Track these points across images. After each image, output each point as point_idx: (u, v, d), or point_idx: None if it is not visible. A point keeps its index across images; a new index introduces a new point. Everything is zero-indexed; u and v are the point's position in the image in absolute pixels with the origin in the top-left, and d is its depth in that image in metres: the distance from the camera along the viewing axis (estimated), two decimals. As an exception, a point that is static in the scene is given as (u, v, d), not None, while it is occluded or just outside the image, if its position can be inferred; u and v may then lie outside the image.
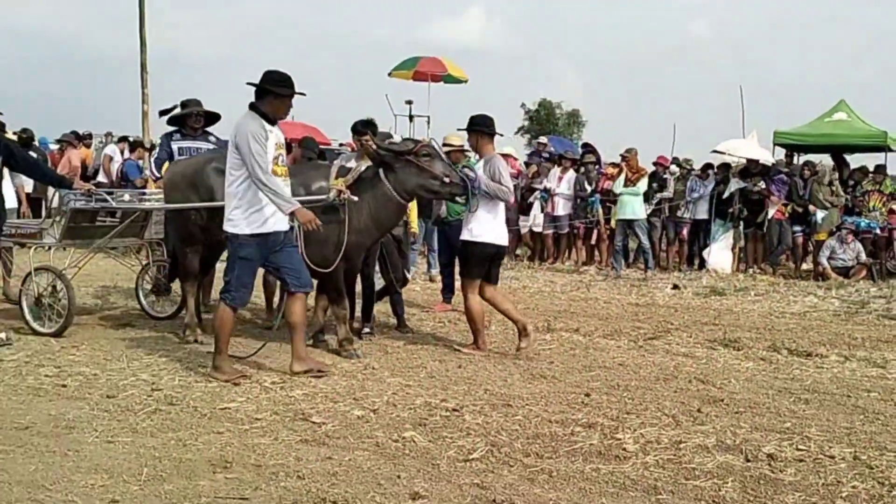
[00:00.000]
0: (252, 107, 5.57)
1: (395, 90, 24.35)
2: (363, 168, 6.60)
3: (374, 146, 6.55)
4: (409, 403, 5.13)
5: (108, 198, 7.29)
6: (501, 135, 7.44)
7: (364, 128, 7.25)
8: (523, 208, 13.97)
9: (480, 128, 6.98)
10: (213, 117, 8.36)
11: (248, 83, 5.59)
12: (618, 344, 7.39)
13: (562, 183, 13.70)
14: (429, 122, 16.75)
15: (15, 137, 13.29)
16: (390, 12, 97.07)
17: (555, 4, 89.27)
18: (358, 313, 7.62)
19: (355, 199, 6.38)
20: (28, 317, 7.04)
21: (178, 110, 8.28)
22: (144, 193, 8.11)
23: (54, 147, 16.40)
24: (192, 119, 8.13)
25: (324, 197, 6.38)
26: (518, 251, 14.44)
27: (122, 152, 15.11)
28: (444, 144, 8.31)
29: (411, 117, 17.09)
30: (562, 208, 13.67)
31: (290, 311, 5.80)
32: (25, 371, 5.65)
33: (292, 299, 5.81)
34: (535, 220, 13.87)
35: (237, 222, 5.52)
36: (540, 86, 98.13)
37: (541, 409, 5.15)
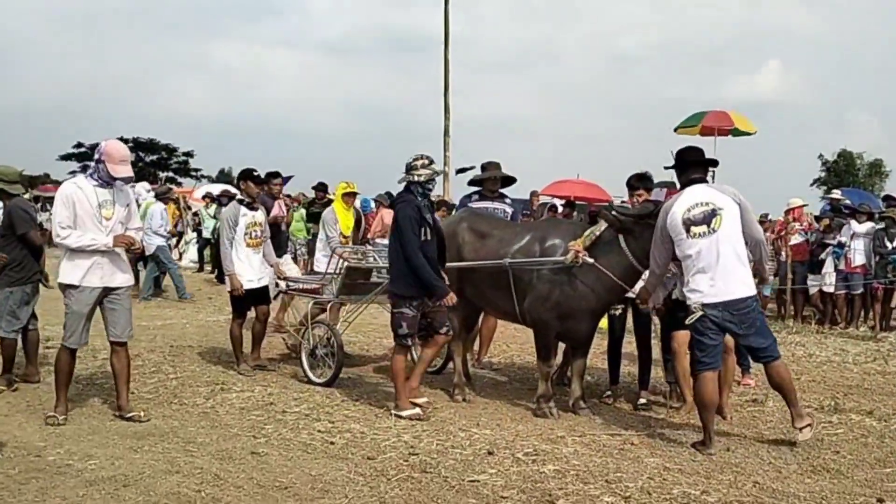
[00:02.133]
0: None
1: (681, 146, 23.72)
2: (603, 228, 6.42)
3: (611, 213, 6.37)
4: (666, 493, 4.80)
5: (375, 256, 7.78)
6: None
7: (638, 182, 7.07)
8: (813, 265, 12.79)
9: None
10: (509, 180, 8.66)
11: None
12: (922, 433, 6.42)
13: (857, 237, 12.38)
14: (713, 177, 16.02)
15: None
16: (683, 73, 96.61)
17: (854, 54, 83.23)
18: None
19: (591, 261, 6.26)
20: (305, 367, 7.64)
21: (477, 172, 8.72)
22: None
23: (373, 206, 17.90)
24: (490, 182, 8.50)
25: (559, 258, 6.39)
26: (805, 313, 13.23)
27: None
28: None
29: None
30: (857, 264, 12.33)
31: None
32: (302, 425, 6.09)
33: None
34: (826, 278, 12.62)
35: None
36: (839, 137, 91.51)
37: (819, 512, 4.58)
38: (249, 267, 7.96)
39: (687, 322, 5.73)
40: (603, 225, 6.47)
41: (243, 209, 8.02)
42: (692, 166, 5.97)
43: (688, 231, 5.64)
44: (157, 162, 55.37)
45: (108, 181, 5.95)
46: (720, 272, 5.59)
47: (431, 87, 24.25)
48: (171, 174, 52.19)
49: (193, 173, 53.82)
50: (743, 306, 5.62)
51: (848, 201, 14.58)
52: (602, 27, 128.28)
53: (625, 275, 6.41)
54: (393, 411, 6.36)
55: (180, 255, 20.95)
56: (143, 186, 18.62)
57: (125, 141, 55.68)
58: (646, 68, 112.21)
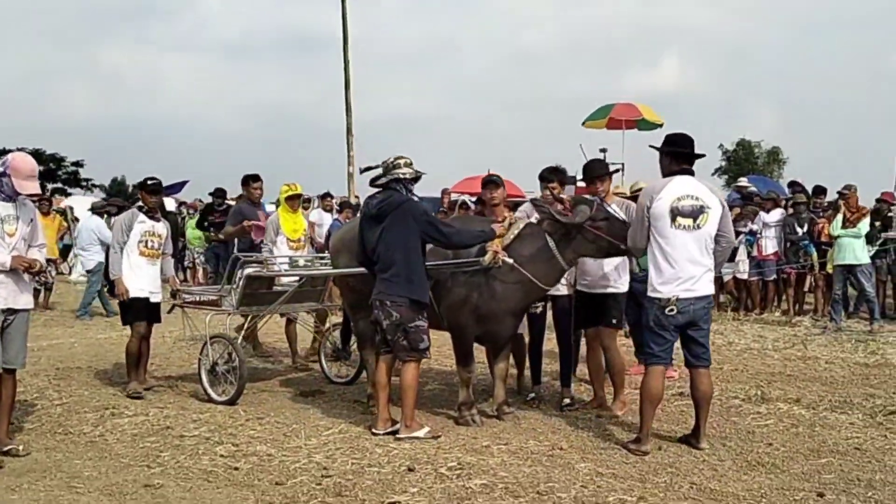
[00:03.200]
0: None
1: (590, 140, 23.92)
2: (522, 225, 6.07)
3: (554, 218, 6.01)
4: (602, 501, 4.46)
5: (276, 263, 7.26)
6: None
7: (551, 174, 6.78)
8: (725, 253, 12.80)
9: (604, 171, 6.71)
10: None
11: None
12: (850, 419, 6.29)
13: (768, 226, 12.46)
14: (623, 170, 16.03)
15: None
16: (585, 69, 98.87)
17: (748, 46, 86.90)
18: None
19: (510, 261, 5.90)
20: (205, 384, 7.03)
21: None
22: (323, 258, 7.98)
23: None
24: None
25: (475, 260, 5.98)
26: (721, 299, 13.26)
27: (330, 211, 15.13)
28: (632, 191, 7.64)
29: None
30: (769, 252, 12.41)
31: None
32: (203, 450, 5.49)
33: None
34: (739, 265, 12.66)
35: None
36: (737, 127, 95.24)
37: (762, 512, 4.31)
38: (139, 277, 7.34)
39: (654, 314, 5.36)
40: (522, 223, 6.12)
41: (141, 216, 7.45)
42: (683, 155, 5.56)
43: (673, 220, 5.32)
44: (44, 173, 52.69)
45: (10, 195, 5.46)
46: (694, 268, 5.36)
47: (333, 85, 23.63)
48: (60, 185, 49.82)
49: (84, 183, 51.47)
50: (708, 304, 5.50)
51: (754, 188, 14.75)
52: (503, 23, 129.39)
53: (547, 275, 6.08)
54: (401, 434, 5.73)
55: (70, 268, 19.79)
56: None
57: (6, 152, 53.63)
58: (547, 65, 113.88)
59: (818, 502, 4.53)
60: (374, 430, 5.87)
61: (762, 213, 12.57)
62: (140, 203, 7.63)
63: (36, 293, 14.28)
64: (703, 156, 5.71)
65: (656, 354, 5.44)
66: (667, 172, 5.54)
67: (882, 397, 7.00)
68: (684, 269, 5.33)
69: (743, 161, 50.77)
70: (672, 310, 5.30)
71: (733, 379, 7.77)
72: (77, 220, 20.94)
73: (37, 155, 52.92)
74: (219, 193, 14.15)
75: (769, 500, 4.53)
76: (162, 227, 7.55)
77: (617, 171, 6.77)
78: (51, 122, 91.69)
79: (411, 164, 5.99)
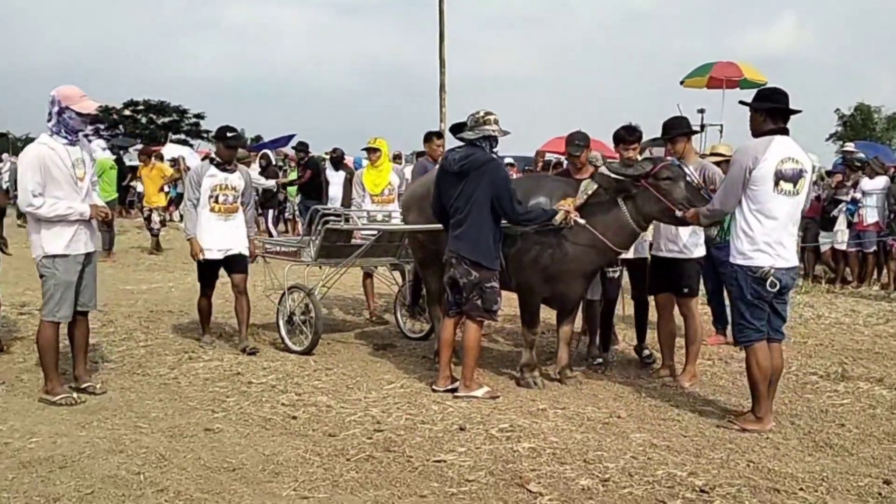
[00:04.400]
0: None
1: (689, 100, 23.12)
2: (596, 186, 5.91)
3: (608, 170, 5.84)
4: (650, 474, 4.37)
5: (353, 217, 7.30)
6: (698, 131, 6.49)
7: (630, 135, 6.51)
8: (825, 223, 12.23)
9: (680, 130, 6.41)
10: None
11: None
12: (935, 403, 5.96)
13: (869, 194, 11.78)
14: (721, 131, 15.44)
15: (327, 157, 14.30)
16: (696, 25, 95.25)
17: (871, 7, 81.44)
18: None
19: (582, 222, 5.78)
20: (283, 334, 7.23)
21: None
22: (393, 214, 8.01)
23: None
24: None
25: (548, 219, 5.86)
26: (816, 271, 12.70)
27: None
28: (712, 154, 7.33)
29: (702, 127, 15.89)
30: (870, 222, 11.76)
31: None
32: (266, 397, 5.69)
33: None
34: (837, 236, 12.06)
35: None
36: (856, 93, 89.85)
37: (819, 496, 4.15)
38: (210, 235, 7.08)
39: (750, 286, 5.07)
40: (595, 184, 5.97)
41: (212, 169, 7.13)
42: (780, 112, 5.13)
43: (776, 184, 5.00)
44: (168, 125, 54.76)
45: (75, 134, 5.46)
46: (788, 237, 5.14)
47: (436, 42, 23.23)
48: (182, 136, 51.64)
49: (205, 135, 53.16)
50: (796, 274, 5.30)
51: (862, 154, 13.95)
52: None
53: (620, 238, 5.94)
54: (460, 392, 5.80)
55: (181, 216, 20.55)
56: (98, 144, 18.15)
57: (135, 104, 55.34)
58: (655, 22, 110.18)
59: (884, 490, 4.32)
60: (434, 387, 5.93)
61: (863, 180, 11.89)
62: (213, 155, 7.41)
63: (154, 237, 15.10)
64: (799, 111, 5.28)
65: (759, 329, 5.15)
66: (762, 131, 5.13)
67: (976, 382, 6.58)
68: (781, 237, 5.08)
69: (860, 127, 48.11)
70: (773, 282, 5.02)
71: (815, 354, 7.45)
72: (189, 168, 21.68)
73: (161, 106, 55.14)
74: (301, 147, 14.40)
75: (830, 485, 4.34)
76: (237, 179, 7.21)
77: (696, 131, 6.46)
78: (175, 75, 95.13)
79: (498, 121, 5.88)
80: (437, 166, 6.42)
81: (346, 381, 6.18)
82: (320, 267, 7.66)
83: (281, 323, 7.30)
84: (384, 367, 6.69)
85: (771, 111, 5.14)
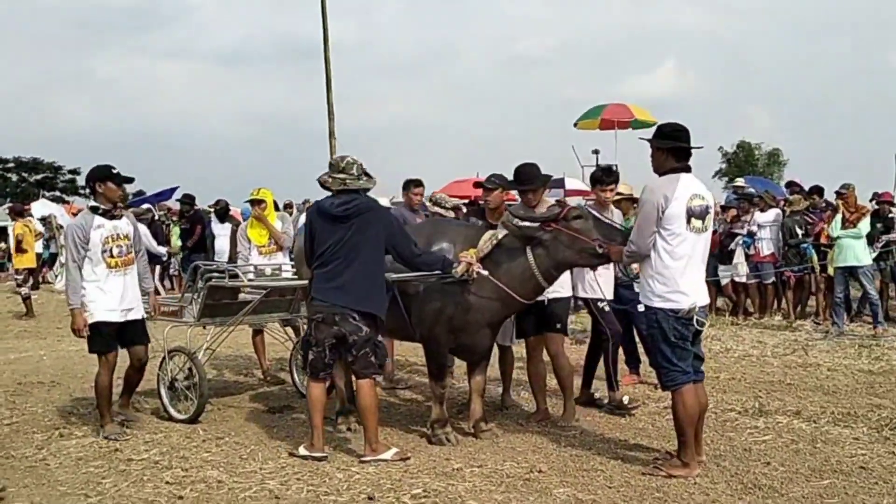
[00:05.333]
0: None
1: (583, 141, 23.59)
2: (502, 235, 5.59)
3: (512, 222, 5.54)
4: (580, 535, 3.98)
5: (239, 273, 6.73)
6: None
7: (607, 177, 6.67)
8: (722, 256, 12.36)
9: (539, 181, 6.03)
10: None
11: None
12: (854, 434, 5.81)
13: (763, 227, 12.00)
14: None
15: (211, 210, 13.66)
16: (581, 73, 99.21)
17: (745, 50, 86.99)
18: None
19: (485, 273, 5.43)
20: (165, 401, 6.57)
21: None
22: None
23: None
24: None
25: (449, 271, 5.50)
26: (718, 304, 12.79)
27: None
28: (617, 193, 7.19)
29: (598, 167, 16.10)
30: (766, 253, 11.95)
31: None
32: (148, 476, 5.03)
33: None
34: (738, 268, 12.20)
35: None
36: (736, 131, 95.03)
37: (758, 546, 3.84)
38: (110, 295, 6.10)
39: (673, 327, 4.82)
40: (502, 231, 5.63)
41: (97, 219, 6.12)
42: (683, 150, 4.98)
43: (688, 222, 4.81)
44: (41, 181, 52.47)
45: None
46: (700, 274, 4.94)
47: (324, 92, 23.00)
48: (57, 193, 49.45)
49: (82, 191, 51.07)
50: (706, 312, 5.11)
51: (752, 189, 14.29)
52: (500, 28, 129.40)
53: (525, 288, 5.60)
54: (367, 457, 5.25)
55: (56, 276, 19.33)
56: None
57: (4, 161, 52.79)
58: (544, 69, 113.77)
59: (820, 532, 4.08)
60: (302, 452, 5.38)
61: (756, 213, 12.11)
62: (93, 203, 6.28)
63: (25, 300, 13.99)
64: (700, 147, 5.15)
65: (685, 371, 4.88)
66: (665, 169, 4.95)
67: (888, 408, 6.53)
68: (697, 274, 4.90)
69: (743, 163, 50.63)
70: (700, 321, 4.80)
71: (730, 389, 7.31)
72: (61, 227, 20.50)
73: (33, 164, 52.79)
74: (186, 200, 13.78)
75: (766, 531, 4.06)
76: (125, 225, 6.30)
77: (549, 178, 6.27)
78: (47, 131, 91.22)
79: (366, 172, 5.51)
80: (308, 211, 5.94)
81: (240, 450, 5.58)
82: (204, 327, 7.04)
83: (163, 390, 6.61)
84: (282, 433, 6.10)
85: (674, 149, 4.97)
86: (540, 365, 6.36)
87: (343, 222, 5.31)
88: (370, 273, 5.30)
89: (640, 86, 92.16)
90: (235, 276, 6.71)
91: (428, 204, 8.71)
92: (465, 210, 12.86)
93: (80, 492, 4.79)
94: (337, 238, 5.30)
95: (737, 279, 12.30)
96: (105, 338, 6.08)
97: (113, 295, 6.09)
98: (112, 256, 6.12)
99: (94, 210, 6.19)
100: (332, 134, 23.31)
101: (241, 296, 7.01)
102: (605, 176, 6.58)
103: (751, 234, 11.95)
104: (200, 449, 5.63)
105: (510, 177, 6.17)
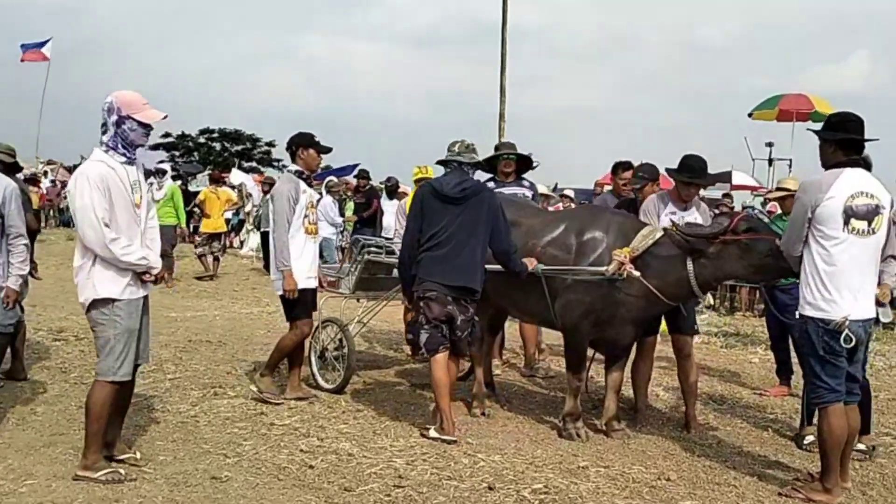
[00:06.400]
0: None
1: (757, 133, 22.46)
2: (658, 236, 5.42)
3: (679, 235, 5.36)
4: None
5: (395, 250, 6.91)
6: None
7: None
8: None
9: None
10: (526, 162, 7.71)
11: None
12: None
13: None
14: (790, 166, 14.80)
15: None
16: (765, 63, 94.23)
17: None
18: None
19: (636, 274, 5.28)
20: (314, 370, 6.89)
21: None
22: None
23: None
24: (503, 164, 7.54)
25: (599, 269, 5.44)
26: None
27: None
28: (778, 189, 6.79)
29: (771, 161, 15.29)
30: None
31: None
32: (285, 442, 5.31)
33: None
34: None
35: None
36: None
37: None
38: (306, 261, 6.28)
39: (823, 340, 4.50)
40: (659, 232, 5.49)
41: (302, 184, 6.29)
42: (853, 143, 4.59)
43: (846, 223, 4.44)
44: (241, 152, 55.80)
45: (134, 150, 4.54)
46: (866, 283, 4.54)
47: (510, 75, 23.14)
48: (254, 164, 52.49)
49: (276, 163, 54.05)
50: (871, 328, 4.73)
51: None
52: (681, 17, 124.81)
53: (676, 295, 5.47)
54: (433, 433, 5.47)
55: (241, 243, 20.54)
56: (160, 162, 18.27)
57: (211, 131, 56.46)
58: (723, 58, 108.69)
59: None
60: (433, 434, 5.50)
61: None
62: (296, 167, 6.39)
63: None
64: (875, 140, 4.72)
65: (834, 389, 4.54)
66: (832, 164, 4.59)
67: None
68: (856, 283, 4.49)
69: (937, 164, 46.45)
70: (848, 336, 4.41)
71: (889, 410, 6.79)
72: (250, 195, 21.81)
73: (235, 134, 56.26)
74: (363, 175, 14.25)
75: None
76: (315, 194, 6.56)
77: (716, 178, 6.04)
78: (251, 104, 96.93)
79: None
80: (420, 189, 6.01)
81: (375, 425, 5.78)
82: (358, 300, 7.32)
83: (313, 358, 6.95)
84: (419, 410, 6.26)
85: (844, 141, 4.60)
86: (647, 365, 6.36)
87: (457, 203, 5.50)
88: (476, 254, 5.50)
89: (827, 77, 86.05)
90: (393, 253, 6.93)
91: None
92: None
93: (220, 451, 5.09)
94: (450, 219, 5.48)
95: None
96: (305, 304, 6.32)
97: (308, 261, 6.34)
98: (310, 223, 6.34)
99: (299, 175, 6.35)
100: (501, 116, 23.38)
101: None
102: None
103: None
104: (339, 420, 5.87)
105: (661, 168, 6.00)
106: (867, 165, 5.09)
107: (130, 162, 4.55)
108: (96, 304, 4.44)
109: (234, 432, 5.50)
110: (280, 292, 6.27)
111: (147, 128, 4.56)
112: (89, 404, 4.48)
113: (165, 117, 4.61)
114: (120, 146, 4.49)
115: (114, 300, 4.44)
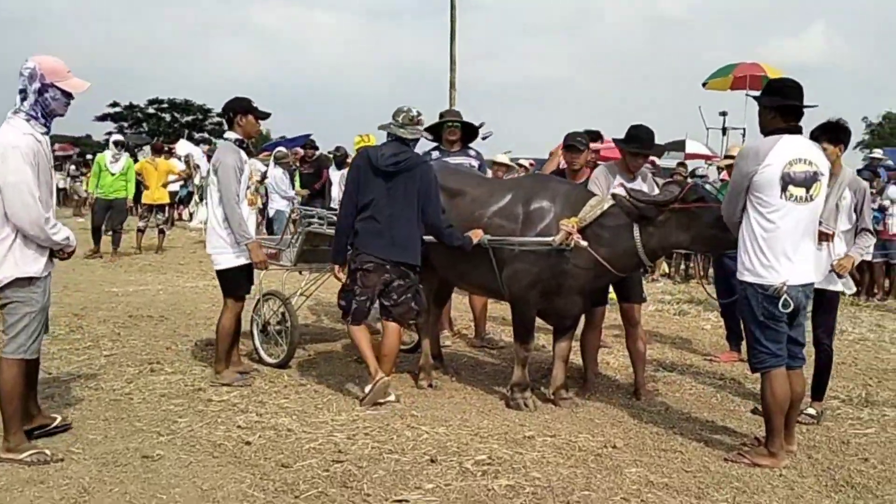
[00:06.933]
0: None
1: (711, 103, 22.63)
2: (607, 206, 5.32)
3: (629, 201, 5.27)
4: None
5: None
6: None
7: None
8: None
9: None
10: (471, 130, 7.51)
11: None
12: (973, 434, 5.31)
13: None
14: (744, 135, 14.88)
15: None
16: (724, 34, 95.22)
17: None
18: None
19: (584, 244, 5.19)
20: (257, 344, 6.70)
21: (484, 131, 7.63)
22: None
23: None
24: (446, 131, 7.33)
25: (546, 239, 5.33)
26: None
27: None
28: (726, 157, 6.77)
29: (724, 130, 15.36)
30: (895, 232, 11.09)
31: None
32: (223, 419, 5.12)
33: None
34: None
35: None
36: (885, 101, 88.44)
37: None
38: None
39: (762, 306, 4.47)
40: (608, 201, 5.39)
41: (243, 154, 5.98)
42: (791, 109, 4.54)
43: (784, 189, 4.40)
44: (191, 123, 54.73)
45: (51, 120, 4.33)
46: (803, 249, 4.50)
47: (471, 47, 22.96)
48: (205, 135, 51.52)
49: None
50: (811, 292, 4.73)
51: (890, 161, 13.23)
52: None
53: (625, 264, 5.40)
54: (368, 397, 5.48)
55: (190, 215, 20.10)
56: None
57: (159, 101, 55.09)
58: (682, 30, 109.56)
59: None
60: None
61: (890, 187, 11.21)
62: (234, 135, 5.98)
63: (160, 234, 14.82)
64: (814, 106, 4.67)
65: (775, 353, 4.52)
66: (770, 130, 4.54)
67: None
68: (793, 249, 4.45)
69: (888, 135, 47.43)
70: (786, 301, 4.39)
71: (837, 374, 6.77)
72: (199, 167, 21.27)
73: (185, 105, 55.02)
74: (310, 144, 13.96)
75: (851, 537, 3.74)
76: (259, 164, 6.52)
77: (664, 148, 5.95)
78: (201, 75, 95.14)
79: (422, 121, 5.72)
80: (356, 157, 5.97)
81: (316, 399, 5.62)
82: (300, 272, 7.12)
83: (255, 332, 6.75)
84: (362, 384, 6.07)
85: (781, 108, 4.54)
86: (598, 333, 6.38)
87: (390, 176, 5.47)
88: (412, 224, 5.50)
89: (784, 50, 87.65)
90: (334, 224, 6.72)
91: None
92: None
93: (154, 429, 4.89)
94: (383, 191, 5.45)
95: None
96: (241, 281, 6.05)
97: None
98: (251, 194, 6.14)
99: (239, 144, 5.98)
100: (452, 85, 23.20)
101: None
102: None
103: (881, 209, 11.08)
104: (279, 395, 5.70)
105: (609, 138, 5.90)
106: (846, 133, 5.25)
107: (48, 132, 4.36)
108: (16, 282, 4.24)
109: (169, 409, 5.30)
110: (219, 267, 6.02)
111: (70, 97, 4.38)
112: (1, 386, 4.26)
113: (89, 87, 4.40)
114: (40, 115, 4.28)
115: (34, 279, 4.28)
